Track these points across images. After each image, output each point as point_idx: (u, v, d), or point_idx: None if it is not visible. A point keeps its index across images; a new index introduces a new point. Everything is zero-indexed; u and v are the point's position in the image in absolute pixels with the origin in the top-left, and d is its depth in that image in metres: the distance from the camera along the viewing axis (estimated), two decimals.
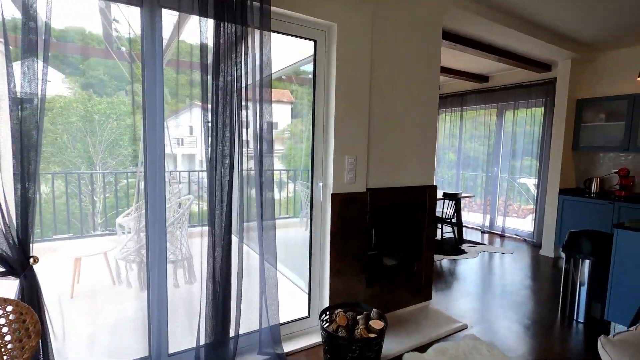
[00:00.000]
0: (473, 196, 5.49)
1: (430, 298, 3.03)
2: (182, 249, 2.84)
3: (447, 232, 5.47)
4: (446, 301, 3.18)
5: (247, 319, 2.18)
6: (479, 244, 5.18)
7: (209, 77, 1.81)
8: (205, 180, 1.90)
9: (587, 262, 2.84)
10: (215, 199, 1.86)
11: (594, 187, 4.46)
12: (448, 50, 4.40)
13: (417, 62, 2.71)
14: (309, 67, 2.41)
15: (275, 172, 5.61)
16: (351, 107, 2.39)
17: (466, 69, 5.47)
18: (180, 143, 5.13)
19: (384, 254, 2.81)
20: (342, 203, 2.43)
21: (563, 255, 4.59)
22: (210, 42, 1.80)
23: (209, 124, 1.81)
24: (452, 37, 3.76)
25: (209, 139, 1.81)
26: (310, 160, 2.42)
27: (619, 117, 4.22)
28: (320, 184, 2.41)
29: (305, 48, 2.42)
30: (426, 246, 2.94)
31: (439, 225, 5.34)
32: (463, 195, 5.29)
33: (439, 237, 5.25)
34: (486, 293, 3.40)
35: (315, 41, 2.31)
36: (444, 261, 4.35)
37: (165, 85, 1.84)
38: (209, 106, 1.81)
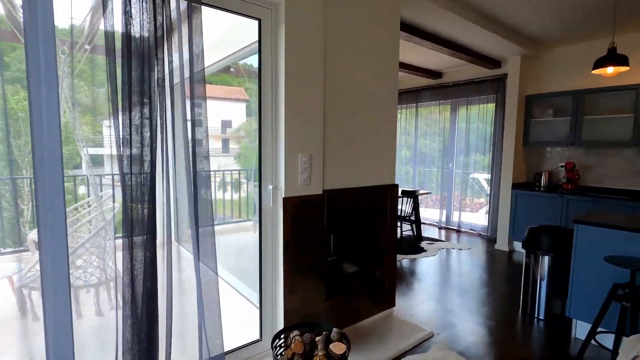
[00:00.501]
0: (430, 193, 5.46)
1: (393, 305, 2.83)
2: (106, 268, 2.37)
3: (406, 230, 5.39)
4: (409, 306, 3.00)
5: (182, 348, 1.81)
6: (437, 240, 5.14)
7: (119, 66, 1.42)
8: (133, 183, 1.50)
9: (546, 258, 2.80)
10: (132, 204, 1.47)
11: (543, 181, 4.57)
12: (404, 44, 4.26)
13: (375, 51, 2.48)
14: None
15: (229, 172, 5.17)
16: (303, 99, 2.09)
17: (421, 64, 5.41)
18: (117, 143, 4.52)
19: (344, 260, 2.55)
20: (296, 207, 2.13)
21: (518, 249, 4.73)
22: (119, 25, 1.41)
23: (121, 121, 1.42)
24: (410, 29, 3.61)
25: (121, 137, 1.42)
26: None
27: (565, 113, 4.35)
28: (270, 186, 2.09)
29: (252, 33, 2.08)
30: (388, 249, 2.73)
31: (398, 224, 5.23)
32: (421, 192, 5.23)
33: (398, 235, 5.14)
34: (448, 294, 3.29)
35: (259, 20, 1.97)
36: (404, 261, 4.22)
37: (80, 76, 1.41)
38: (120, 101, 1.42)
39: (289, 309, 2.15)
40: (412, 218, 5.07)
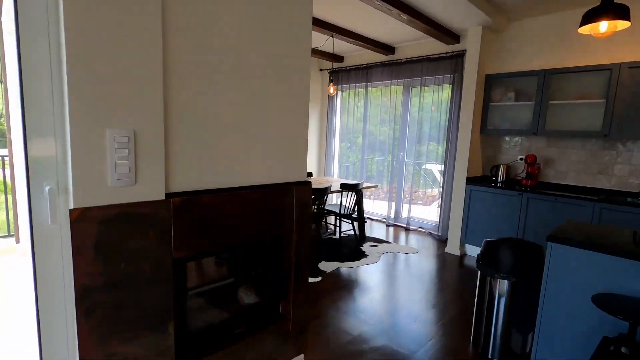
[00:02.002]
0: (376, 186, 4.74)
1: (303, 352, 2.02)
2: None
3: (348, 229, 4.62)
4: (334, 342, 2.21)
5: None
6: (382, 242, 4.43)
7: None
8: None
9: (506, 282, 2.11)
10: None
11: (500, 175, 3.97)
12: (354, 10, 3.40)
13: None
14: None
15: None
16: (114, 29, 1.14)
17: (372, 35, 4.57)
18: None
19: (216, 301, 1.68)
20: (106, 226, 1.20)
21: (470, 252, 4.13)
22: None
23: None
24: None
25: None
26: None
27: (529, 97, 3.73)
28: (48, 187, 1.14)
29: None
30: (297, 273, 1.89)
31: (334, 223, 4.46)
32: (365, 185, 4.47)
33: (337, 235, 4.36)
34: (388, 321, 2.54)
35: None
36: (342, 269, 3.44)
37: None
38: None
39: None
40: (355, 215, 4.31)
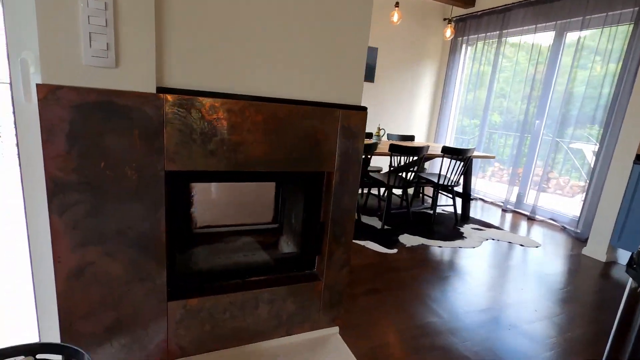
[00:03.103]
0: (493, 157, 3.77)
1: (336, 323, 1.62)
2: None
3: (448, 204, 3.88)
4: (385, 324, 1.76)
5: None
6: (491, 226, 3.56)
7: None
8: None
9: None
10: None
11: None
12: None
13: None
14: None
15: None
16: None
17: None
18: None
19: (230, 240, 1.40)
20: (83, 114, 1.01)
21: (622, 261, 2.90)
22: None
23: None
24: None
25: None
26: None
27: None
28: (20, 58, 0.99)
29: None
30: (336, 228, 1.48)
31: (431, 195, 3.76)
32: (477, 154, 3.61)
33: (433, 211, 3.69)
34: (470, 320, 1.92)
35: None
36: (426, 247, 2.85)
37: None
38: None
39: (68, 304, 1.13)
40: (460, 190, 3.54)
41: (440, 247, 2.89)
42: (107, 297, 1.17)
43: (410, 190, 4.42)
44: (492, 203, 4.57)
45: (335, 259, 1.51)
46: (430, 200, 4.04)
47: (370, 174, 3.43)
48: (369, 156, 2.99)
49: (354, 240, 2.82)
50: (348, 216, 1.48)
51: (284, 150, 1.29)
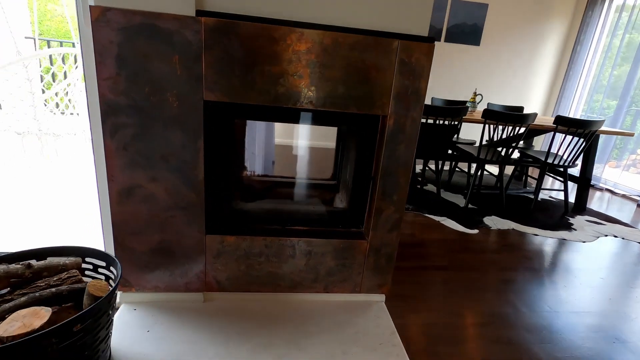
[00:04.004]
0: (632, 134, 2.91)
1: (382, 291, 1.46)
2: None
3: (558, 189, 3.23)
4: (437, 307, 1.53)
5: None
6: (614, 221, 2.83)
7: None
8: None
9: None
10: None
11: None
12: None
13: None
14: None
15: None
16: None
17: None
18: None
19: (273, 186, 1.35)
20: (129, 37, 1.04)
21: None
22: None
23: None
24: None
25: None
26: None
27: None
28: None
29: None
30: (385, 183, 1.30)
31: (538, 178, 3.14)
32: (607, 129, 2.86)
33: (540, 196, 3.12)
34: (575, 327, 1.55)
35: None
36: (517, 233, 2.41)
37: None
38: None
39: (120, 222, 1.23)
40: (576, 174, 2.88)
41: (536, 235, 2.40)
42: (154, 219, 1.24)
43: (510, 170, 3.80)
44: (624, 196, 3.64)
45: (384, 218, 1.34)
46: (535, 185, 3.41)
47: (459, 145, 3.03)
48: (455, 122, 2.61)
49: (428, 215, 2.55)
50: (403, 170, 1.29)
51: (329, 86, 1.16)
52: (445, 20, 4.15)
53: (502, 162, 2.75)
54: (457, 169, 3.72)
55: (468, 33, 4.27)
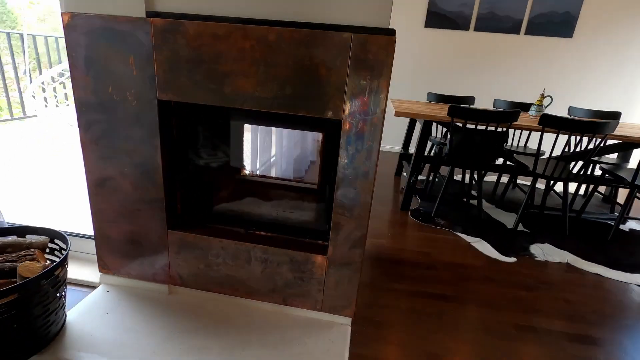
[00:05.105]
0: None
1: (347, 314, 1.31)
2: None
3: None
4: (451, 355, 1.32)
5: None
6: None
7: None
8: None
9: None
10: None
11: None
12: None
13: None
14: None
15: None
16: None
17: None
18: None
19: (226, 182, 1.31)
20: (93, 39, 1.12)
21: None
22: None
23: None
24: None
25: None
26: None
27: None
28: None
29: None
30: (344, 195, 1.16)
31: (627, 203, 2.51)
32: None
33: (627, 226, 2.51)
34: None
35: None
36: (584, 271, 1.95)
37: None
38: None
39: (97, 210, 1.34)
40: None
41: (597, 274, 1.91)
42: (123, 211, 1.32)
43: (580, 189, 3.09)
44: None
45: (343, 235, 1.20)
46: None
47: (516, 156, 2.58)
48: (503, 129, 2.22)
49: (460, 234, 2.23)
50: (364, 182, 1.13)
51: (276, 86, 1.07)
52: (528, 8, 3.57)
53: (568, 178, 2.25)
54: (514, 183, 3.19)
55: (558, 23, 3.61)
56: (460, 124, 2.26)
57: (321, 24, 1.02)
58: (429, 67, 3.91)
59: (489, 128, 2.23)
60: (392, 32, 0.98)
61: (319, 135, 1.26)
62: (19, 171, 2.62)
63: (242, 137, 1.36)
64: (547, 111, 3.71)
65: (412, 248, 2.00)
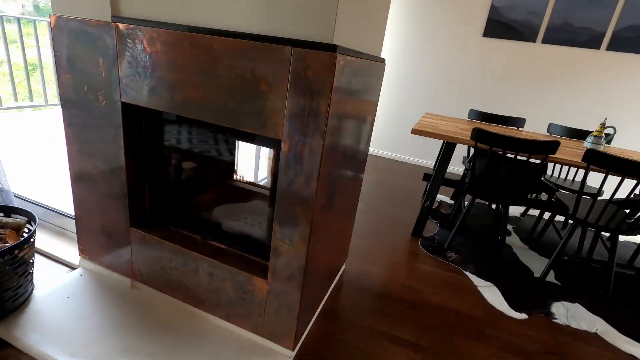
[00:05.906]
0: None
1: (287, 345, 1.22)
2: None
3: None
4: None
5: None
6: None
7: None
8: None
9: None
10: None
11: None
12: None
13: None
14: None
15: None
16: None
17: None
18: None
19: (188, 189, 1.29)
20: (72, 40, 1.18)
21: None
22: None
23: None
24: None
25: None
26: None
27: None
28: None
29: None
30: (282, 220, 1.07)
31: None
32: None
33: None
34: None
35: None
36: (615, 342, 1.60)
37: None
38: None
39: (78, 200, 1.43)
40: None
41: (632, 355, 1.53)
42: (99, 203, 1.39)
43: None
44: None
45: (282, 262, 1.11)
46: None
47: (562, 191, 2.19)
48: (542, 161, 1.89)
49: (470, 274, 1.96)
50: (303, 209, 1.03)
51: (220, 98, 1.02)
52: (614, 19, 3.02)
53: (616, 229, 1.83)
54: (552, 224, 2.72)
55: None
56: (487, 149, 1.99)
57: (266, 36, 0.95)
58: (481, 81, 3.53)
59: (520, 157, 1.92)
60: (333, 48, 0.87)
61: (271, 152, 1.18)
62: (44, 153, 2.90)
63: (208, 142, 1.34)
64: (613, 144, 3.12)
65: (403, 281, 1.81)
